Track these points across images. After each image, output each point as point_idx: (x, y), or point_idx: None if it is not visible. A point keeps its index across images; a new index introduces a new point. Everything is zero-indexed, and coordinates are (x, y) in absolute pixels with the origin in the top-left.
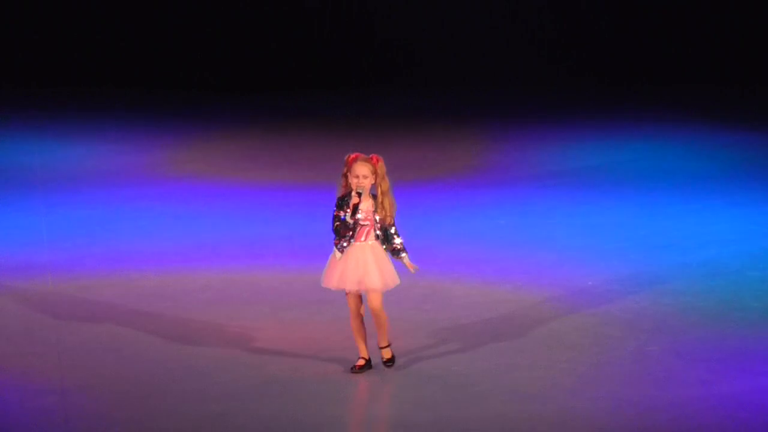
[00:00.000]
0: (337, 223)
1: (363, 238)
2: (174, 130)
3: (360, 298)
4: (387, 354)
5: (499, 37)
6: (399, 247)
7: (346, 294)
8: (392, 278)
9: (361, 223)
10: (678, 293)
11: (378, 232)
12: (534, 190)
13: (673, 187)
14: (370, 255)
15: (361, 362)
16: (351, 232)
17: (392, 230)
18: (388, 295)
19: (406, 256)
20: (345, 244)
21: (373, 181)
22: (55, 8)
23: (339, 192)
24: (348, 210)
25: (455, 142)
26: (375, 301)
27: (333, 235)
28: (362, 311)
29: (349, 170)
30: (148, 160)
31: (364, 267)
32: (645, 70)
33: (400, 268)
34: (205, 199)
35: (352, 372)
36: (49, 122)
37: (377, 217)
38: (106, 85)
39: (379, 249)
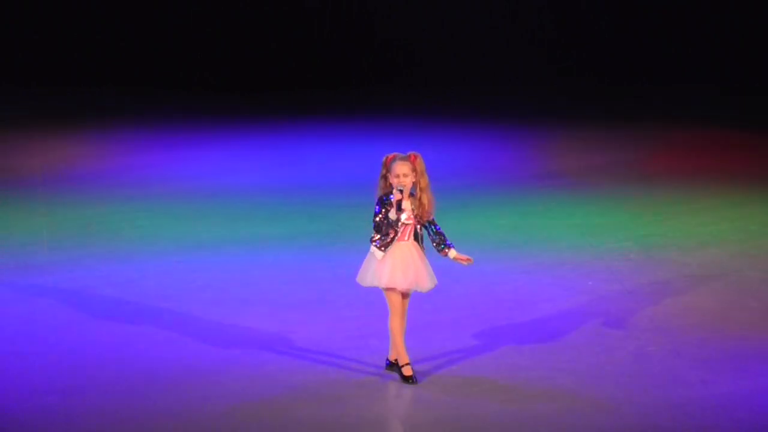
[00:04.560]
0: (379, 217)
1: (406, 238)
2: (174, 130)
3: (402, 297)
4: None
5: (499, 37)
6: (447, 243)
7: (389, 292)
8: (435, 278)
9: (405, 222)
10: (678, 293)
11: (418, 230)
12: (534, 190)
13: (672, 186)
14: (416, 254)
15: (410, 370)
16: (394, 231)
17: (436, 227)
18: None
19: (455, 253)
20: (387, 241)
21: (413, 179)
22: (55, 8)
23: (379, 194)
24: (391, 208)
25: (455, 142)
26: (407, 305)
27: (373, 234)
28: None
29: (388, 170)
30: (148, 160)
31: (414, 266)
32: (645, 70)
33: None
34: (205, 198)
35: (411, 383)
36: (49, 122)
37: (416, 215)
38: (106, 85)
39: (419, 248)
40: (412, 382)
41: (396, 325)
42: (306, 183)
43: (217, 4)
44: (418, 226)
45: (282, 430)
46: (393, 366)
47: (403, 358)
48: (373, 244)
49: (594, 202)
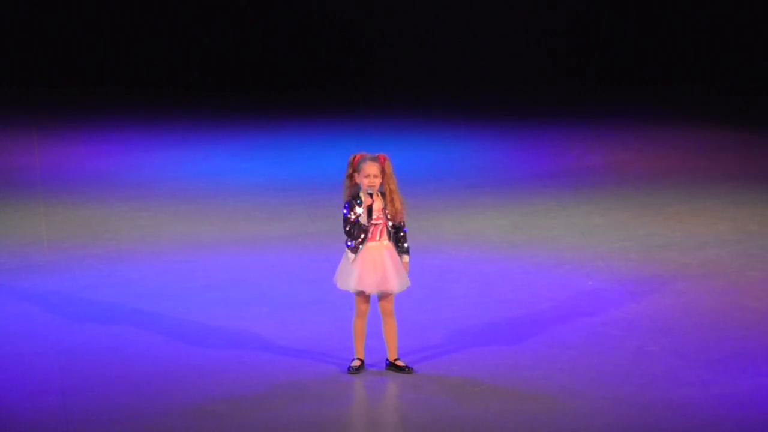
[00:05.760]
0: (349, 226)
1: (378, 238)
2: (174, 130)
3: (369, 299)
4: (401, 363)
5: (498, 37)
6: (405, 248)
7: (357, 294)
8: (406, 280)
9: (374, 222)
10: (678, 293)
11: (389, 229)
12: (534, 190)
13: (673, 187)
14: (386, 256)
15: (357, 363)
16: (364, 234)
17: (403, 230)
18: None
19: (407, 259)
20: (360, 246)
21: (381, 180)
22: (55, 8)
23: (345, 194)
24: (362, 212)
25: (455, 142)
26: (390, 304)
27: (345, 237)
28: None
29: (356, 170)
30: (148, 160)
31: (382, 269)
32: (645, 70)
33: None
34: (205, 198)
35: (350, 373)
36: (48, 122)
37: (388, 216)
38: (106, 85)
39: (393, 250)
40: (351, 372)
41: (358, 325)
42: (306, 183)
43: (217, 4)
44: (389, 225)
45: (281, 430)
46: (392, 366)
47: (356, 353)
48: (347, 246)
49: (594, 202)
